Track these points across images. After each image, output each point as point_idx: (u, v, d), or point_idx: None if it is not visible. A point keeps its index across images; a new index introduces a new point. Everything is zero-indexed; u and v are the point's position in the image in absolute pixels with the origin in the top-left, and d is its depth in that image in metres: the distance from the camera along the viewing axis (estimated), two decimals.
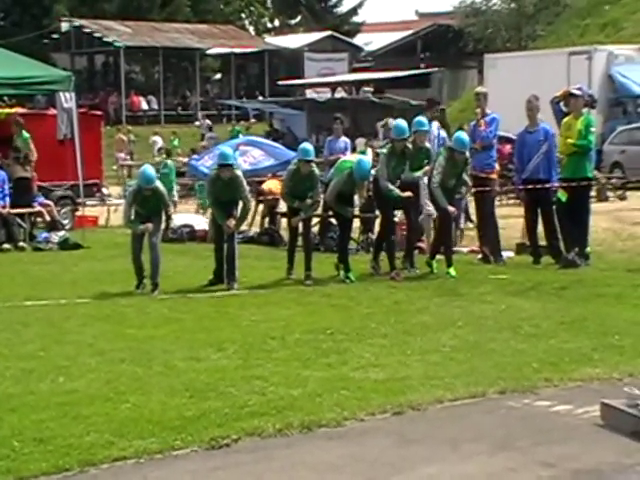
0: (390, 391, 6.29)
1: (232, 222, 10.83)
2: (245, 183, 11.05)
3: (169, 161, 20.01)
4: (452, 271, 11.13)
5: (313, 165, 11.32)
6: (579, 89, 12.37)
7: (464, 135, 11.56)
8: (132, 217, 10.80)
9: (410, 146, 11.42)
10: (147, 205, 10.69)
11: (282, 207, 16.43)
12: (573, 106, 11.98)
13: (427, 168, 11.60)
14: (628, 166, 22.18)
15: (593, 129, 12.01)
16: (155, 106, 45.10)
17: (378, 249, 11.72)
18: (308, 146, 11.53)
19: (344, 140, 16.15)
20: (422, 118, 12.07)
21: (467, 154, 11.43)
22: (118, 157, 32.58)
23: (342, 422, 5.73)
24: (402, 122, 11.56)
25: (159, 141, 36.41)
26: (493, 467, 5.04)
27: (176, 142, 35.31)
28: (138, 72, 52.31)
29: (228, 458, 5.23)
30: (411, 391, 6.28)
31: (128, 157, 34.03)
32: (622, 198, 20.02)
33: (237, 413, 5.86)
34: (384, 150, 11.63)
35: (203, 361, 7.24)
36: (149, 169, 10.92)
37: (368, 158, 11.99)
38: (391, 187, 11.17)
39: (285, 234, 15.55)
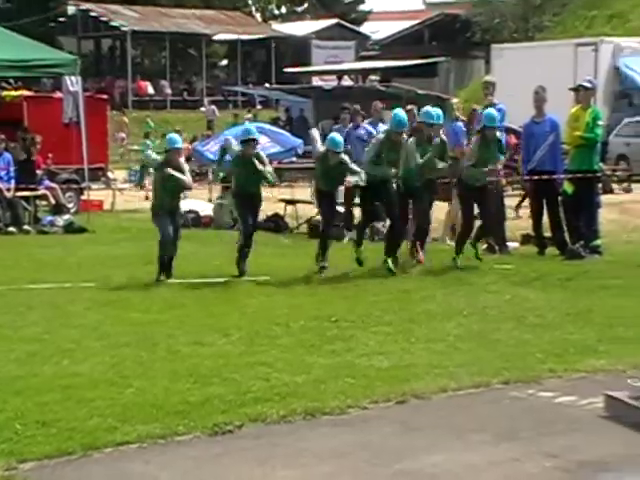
0: (394, 379, 6.28)
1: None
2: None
3: (148, 141, 25.72)
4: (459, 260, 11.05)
5: (342, 155, 10.80)
6: (589, 81, 12.34)
7: (493, 111, 11.30)
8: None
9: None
10: (169, 185, 10.41)
11: (291, 195, 16.44)
12: (582, 98, 11.96)
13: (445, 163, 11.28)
14: (634, 158, 22.13)
15: (601, 122, 11.98)
16: (168, 91, 44.91)
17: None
18: (337, 137, 10.96)
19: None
20: (430, 108, 11.87)
21: (498, 134, 11.18)
22: (117, 137, 32.98)
23: (346, 410, 5.73)
24: (431, 108, 11.32)
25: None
26: (497, 457, 5.03)
27: (151, 124, 35.08)
28: (144, 57, 52.21)
29: (231, 444, 5.23)
30: (415, 379, 6.27)
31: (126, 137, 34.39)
32: (627, 190, 19.99)
33: (241, 399, 5.86)
34: (411, 139, 11.24)
35: (207, 346, 7.24)
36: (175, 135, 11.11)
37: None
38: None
39: (290, 221, 15.58)
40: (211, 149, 17.46)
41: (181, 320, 8.24)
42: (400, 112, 10.89)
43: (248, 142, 10.62)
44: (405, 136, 10.93)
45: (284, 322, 8.05)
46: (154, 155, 11.38)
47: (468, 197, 11.32)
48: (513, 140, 17.53)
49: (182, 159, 11.12)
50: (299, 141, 18.15)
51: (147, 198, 22.46)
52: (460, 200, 11.79)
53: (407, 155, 10.86)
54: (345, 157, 10.93)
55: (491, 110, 11.43)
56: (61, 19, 47.13)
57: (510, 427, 5.48)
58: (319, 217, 14.54)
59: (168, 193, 10.44)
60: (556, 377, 6.45)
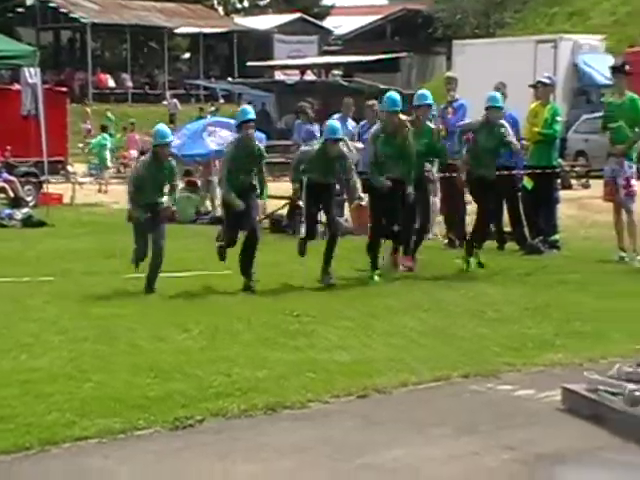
0: (355, 374, 6.30)
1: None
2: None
3: (106, 134, 25.83)
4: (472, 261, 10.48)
5: (342, 145, 9.86)
6: (548, 78, 12.48)
7: (497, 94, 10.85)
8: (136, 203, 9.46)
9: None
10: (159, 177, 9.46)
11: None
12: (541, 94, 12.09)
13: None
14: (592, 154, 22.39)
15: (559, 118, 12.12)
16: (129, 84, 44.56)
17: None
18: (335, 123, 10.14)
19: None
20: (424, 91, 11.10)
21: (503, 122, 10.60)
22: (84, 128, 32.78)
23: (307, 404, 5.74)
24: (425, 91, 10.85)
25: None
26: (457, 450, 5.07)
27: (111, 117, 34.56)
28: (105, 49, 51.74)
29: (192, 439, 5.21)
30: (376, 374, 6.30)
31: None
32: (586, 186, 20.22)
33: (202, 394, 5.84)
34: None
35: (168, 341, 7.21)
36: (163, 127, 9.89)
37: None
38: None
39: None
40: (173, 143, 17.32)
41: (142, 314, 8.19)
42: (393, 93, 10.12)
43: (247, 123, 9.45)
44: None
45: (245, 317, 8.04)
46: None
47: (475, 188, 10.73)
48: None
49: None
50: (262, 135, 18.08)
51: (100, 192, 22.39)
52: (471, 194, 11.21)
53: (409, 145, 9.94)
54: (345, 149, 10.02)
55: (494, 92, 10.92)
56: (20, 10, 46.53)
57: (470, 421, 5.53)
58: (281, 212, 14.59)
59: (156, 187, 9.47)
60: (515, 371, 6.51)
